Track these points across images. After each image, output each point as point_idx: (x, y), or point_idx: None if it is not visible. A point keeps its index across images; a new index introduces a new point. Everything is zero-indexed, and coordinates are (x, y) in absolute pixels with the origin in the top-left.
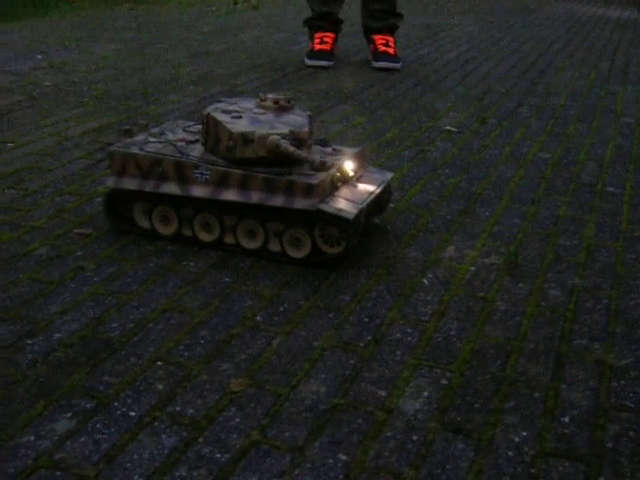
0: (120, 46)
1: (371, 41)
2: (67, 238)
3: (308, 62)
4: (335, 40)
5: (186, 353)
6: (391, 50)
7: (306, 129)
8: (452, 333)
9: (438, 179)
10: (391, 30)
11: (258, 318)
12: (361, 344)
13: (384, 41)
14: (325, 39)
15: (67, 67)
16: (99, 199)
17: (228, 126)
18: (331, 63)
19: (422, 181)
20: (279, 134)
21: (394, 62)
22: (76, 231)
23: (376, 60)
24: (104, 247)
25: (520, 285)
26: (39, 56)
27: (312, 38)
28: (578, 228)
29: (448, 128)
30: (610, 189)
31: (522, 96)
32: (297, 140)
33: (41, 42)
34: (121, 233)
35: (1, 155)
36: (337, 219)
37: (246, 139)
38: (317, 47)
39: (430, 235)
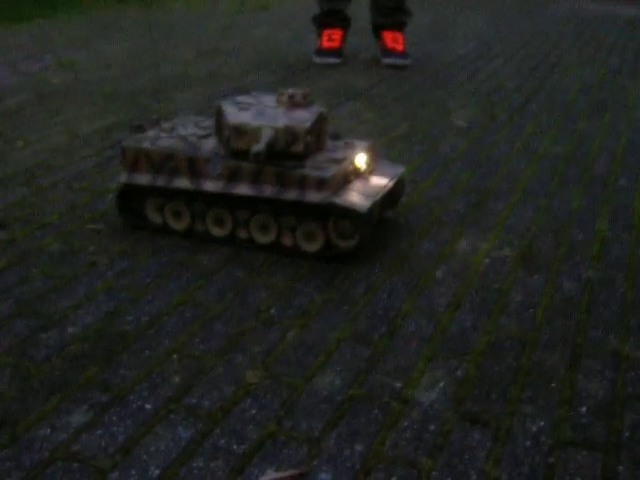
0: (129, 45)
1: (380, 38)
2: (80, 234)
3: (317, 59)
4: (343, 37)
5: (201, 346)
6: (400, 47)
7: (305, 126)
8: (467, 325)
9: (450, 173)
10: (400, 27)
11: (272, 311)
12: (376, 336)
13: (393, 38)
14: (333, 36)
15: (76, 66)
16: (111, 195)
17: (228, 117)
18: (339, 60)
19: (434, 175)
20: (272, 128)
21: (403, 59)
22: (89, 227)
23: (385, 57)
24: (117, 242)
25: (534, 277)
26: (48, 56)
27: (320, 35)
28: (591, 221)
29: (458, 123)
30: (622, 182)
31: (532, 91)
32: (291, 135)
33: (50, 42)
34: (133, 228)
35: (12, 153)
36: (350, 212)
37: (239, 131)
38: (325, 44)
39: (443, 228)
